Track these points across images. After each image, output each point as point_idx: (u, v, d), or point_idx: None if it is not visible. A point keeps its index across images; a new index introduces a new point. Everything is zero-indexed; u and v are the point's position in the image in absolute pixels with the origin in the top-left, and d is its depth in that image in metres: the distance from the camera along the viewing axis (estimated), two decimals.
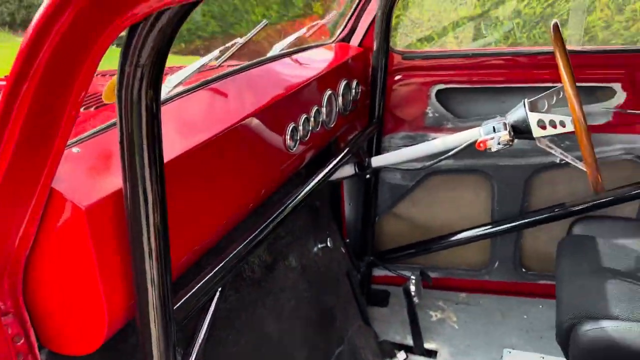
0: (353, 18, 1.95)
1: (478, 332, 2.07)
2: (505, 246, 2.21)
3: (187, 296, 0.95)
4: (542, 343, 2.01)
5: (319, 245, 1.74)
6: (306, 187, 1.43)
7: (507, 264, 2.23)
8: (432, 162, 1.73)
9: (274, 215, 1.26)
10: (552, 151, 1.55)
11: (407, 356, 1.86)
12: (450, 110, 2.03)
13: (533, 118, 1.47)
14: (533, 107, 1.51)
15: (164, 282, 0.82)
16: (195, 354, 1.01)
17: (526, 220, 2.05)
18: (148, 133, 0.72)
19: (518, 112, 1.51)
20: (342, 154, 1.69)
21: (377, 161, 1.81)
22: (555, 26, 1.47)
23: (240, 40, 1.24)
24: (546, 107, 1.53)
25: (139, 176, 0.74)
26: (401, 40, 4.19)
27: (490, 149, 1.51)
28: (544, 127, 1.46)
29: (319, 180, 1.51)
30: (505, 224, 2.08)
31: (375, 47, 1.88)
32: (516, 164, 2.05)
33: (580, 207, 1.97)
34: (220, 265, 1.05)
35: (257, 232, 1.18)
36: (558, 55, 1.37)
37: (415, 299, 1.89)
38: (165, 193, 0.79)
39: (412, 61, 1.98)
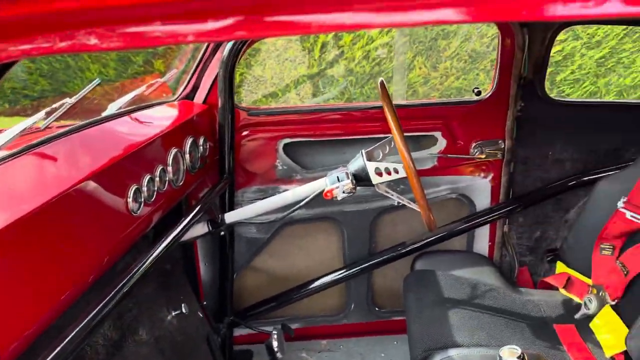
0: (195, 75, 1.95)
1: None
2: (359, 288, 2.31)
3: None
4: None
5: (173, 313, 1.63)
6: (155, 251, 1.35)
7: (361, 305, 2.33)
8: (284, 213, 1.77)
9: (119, 285, 1.16)
10: (390, 195, 1.69)
11: None
12: (298, 163, 2.11)
13: (371, 167, 1.59)
14: (370, 157, 1.64)
15: None
16: None
17: (374, 261, 2.18)
18: None
19: (357, 162, 1.63)
20: (193, 212, 1.64)
21: (230, 217, 1.79)
22: (382, 84, 1.63)
23: (69, 100, 1.16)
24: (381, 156, 1.67)
25: None
26: (247, 97, 4.31)
27: (336, 197, 1.59)
28: (380, 174, 1.59)
29: (169, 243, 1.44)
30: (356, 266, 2.19)
31: (220, 104, 1.89)
32: (361, 209, 2.18)
33: (419, 244, 2.16)
34: (56, 351, 0.92)
35: (100, 306, 1.07)
36: (386, 109, 1.51)
37: (279, 354, 1.86)
38: None
39: (257, 117, 2.03)
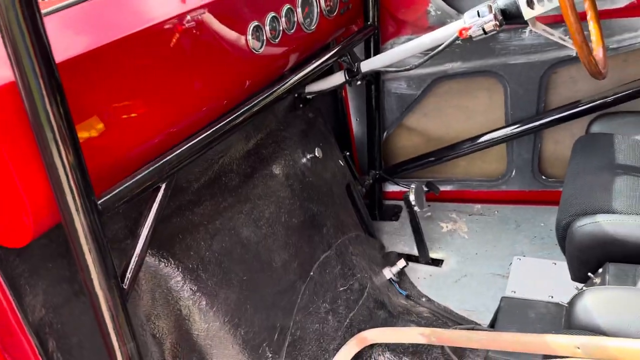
0: None
1: (488, 241, 2.00)
2: (522, 153, 2.07)
3: (121, 188, 0.97)
4: (557, 250, 1.90)
5: (308, 156, 1.71)
6: (278, 88, 1.39)
7: (525, 171, 2.10)
8: (421, 60, 1.60)
9: (240, 111, 1.25)
10: (550, 36, 1.40)
11: (407, 264, 1.83)
12: (453, 6, 1.87)
13: None
14: None
15: (76, 175, 0.83)
16: (136, 254, 1.03)
17: (542, 121, 1.90)
18: (28, 29, 0.72)
19: None
20: (325, 57, 1.61)
21: (365, 65, 1.72)
22: None
23: None
24: None
25: (27, 70, 0.74)
26: None
27: (471, 36, 1.38)
28: (533, 6, 1.31)
29: (295, 81, 1.46)
30: (521, 126, 1.94)
31: None
32: (529, 61, 1.88)
33: (599, 102, 1.79)
34: (163, 161, 1.06)
35: (217, 127, 1.19)
36: None
37: (416, 208, 1.84)
38: (61, 87, 0.79)
39: None
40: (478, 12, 1.38)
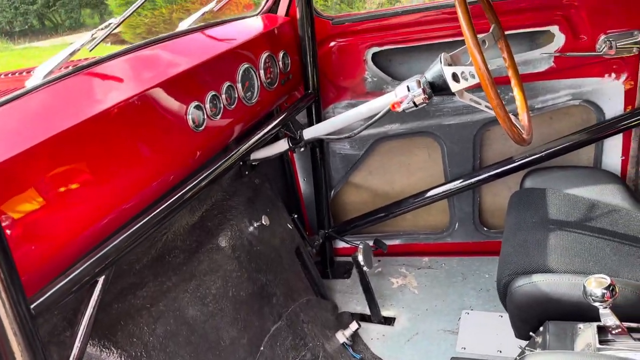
0: None
1: (437, 295, 2.04)
2: (463, 207, 2.16)
3: (56, 288, 0.94)
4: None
5: (255, 224, 1.71)
6: (224, 162, 1.41)
7: (467, 224, 2.18)
8: (359, 129, 1.65)
9: (186, 189, 1.25)
10: (477, 105, 1.48)
11: (359, 326, 1.84)
12: (389, 74, 1.96)
13: (448, 72, 1.40)
14: (454, 61, 1.45)
15: (4, 277, 0.80)
16: (76, 347, 1.00)
17: (477, 178, 1.99)
18: None
19: (435, 68, 1.44)
20: (268, 128, 1.65)
21: (308, 133, 1.77)
22: None
23: (114, 21, 1.19)
24: (469, 60, 1.46)
25: None
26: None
27: (401, 109, 1.45)
28: (458, 81, 1.39)
29: (240, 154, 1.48)
30: (459, 182, 2.02)
31: (299, 15, 1.81)
32: (462, 122, 1.98)
33: (530, 158, 1.90)
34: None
35: (162, 208, 1.18)
36: (457, 3, 1.29)
37: (365, 268, 1.86)
38: None
39: (342, 26, 1.92)
40: (408, 87, 1.45)
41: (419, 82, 1.44)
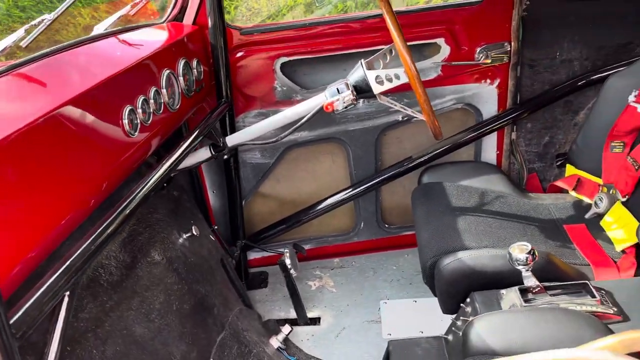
0: None
1: (354, 291, 2.16)
2: (367, 207, 2.32)
3: (26, 306, 0.83)
4: (412, 288, 2.15)
5: (185, 236, 1.65)
6: (155, 174, 1.34)
7: (371, 223, 2.34)
8: (286, 132, 1.73)
9: (121, 207, 1.16)
10: (393, 106, 1.64)
11: (292, 329, 1.86)
12: (297, 83, 2.05)
13: (371, 76, 1.53)
14: (370, 66, 1.58)
15: None
16: None
17: (380, 178, 2.17)
18: None
19: (357, 72, 1.57)
20: (192, 136, 1.61)
21: (232, 140, 1.77)
22: None
23: (48, 17, 1.09)
24: (381, 65, 1.61)
25: None
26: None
27: (337, 110, 1.55)
28: (381, 83, 1.53)
29: (169, 166, 1.42)
30: (363, 184, 2.18)
31: (210, 25, 1.81)
32: (365, 127, 2.14)
33: (425, 157, 2.13)
34: (62, 269, 0.93)
35: (103, 226, 1.07)
36: (386, 14, 1.44)
37: (292, 272, 1.90)
38: None
39: (251, 36, 1.96)
40: (337, 89, 1.55)
41: (347, 85, 1.55)
